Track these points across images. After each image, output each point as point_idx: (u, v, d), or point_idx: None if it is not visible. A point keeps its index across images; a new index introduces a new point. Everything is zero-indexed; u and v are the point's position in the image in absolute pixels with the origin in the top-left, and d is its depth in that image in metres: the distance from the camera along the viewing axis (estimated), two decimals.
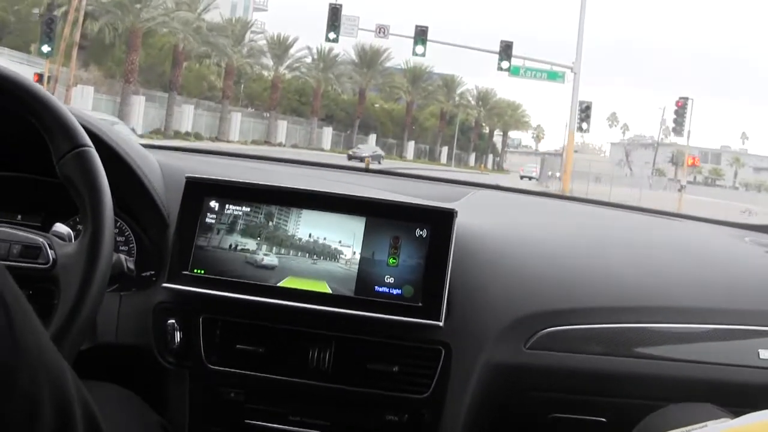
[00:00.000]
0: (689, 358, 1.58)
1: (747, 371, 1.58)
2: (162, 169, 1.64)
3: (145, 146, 1.71)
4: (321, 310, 1.47)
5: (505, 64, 27.43)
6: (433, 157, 58.63)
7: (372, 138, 54.02)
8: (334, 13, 27.38)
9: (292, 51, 48.12)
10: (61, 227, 1.27)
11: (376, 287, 1.49)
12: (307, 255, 1.51)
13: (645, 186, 41.25)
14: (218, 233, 1.53)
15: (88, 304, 1.09)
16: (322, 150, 47.62)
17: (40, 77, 22.18)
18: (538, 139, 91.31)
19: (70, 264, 1.14)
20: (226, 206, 1.54)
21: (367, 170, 2.63)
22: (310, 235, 1.52)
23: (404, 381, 1.53)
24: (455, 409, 1.55)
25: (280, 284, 1.50)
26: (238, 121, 44.41)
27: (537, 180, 51.38)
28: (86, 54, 35.32)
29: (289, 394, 1.56)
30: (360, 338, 1.53)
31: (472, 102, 60.88)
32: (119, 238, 1.57)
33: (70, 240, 1.24)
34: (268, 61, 47.58)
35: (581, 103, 28.60)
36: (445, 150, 59.65)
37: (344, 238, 1.51)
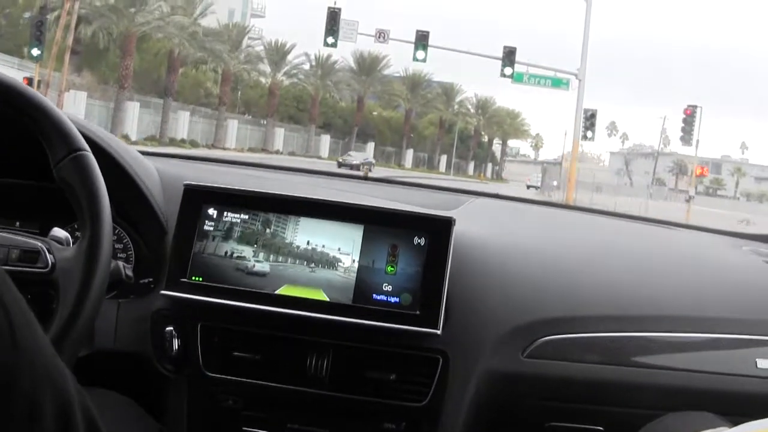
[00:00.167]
0: (687, 367, 1.58)
1: (745, 380, 1.58)
2: (160, 176, 1.64)
3: (143, 153, 1.71)
4: (319, 318, 1.47)
5: (508, 71, 26.95)
6: (431, 165, 58.51)
7: (370, 146, 53.98)
8: (333, 17, 26.87)
9: (289, 57, 48.02)
10: (59, 231, 1.27)
11: (374, 295, 1.49)
12: (305, 263, 1.51)
13: (645, 195, 41.15)
14: (216, 241, 1.53)
15: (87, 307, 1.09)
16: (320, 158, 47.46)
17: (29, 81, 21.81)
18: (536, 147, 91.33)
19: (69, 268, 1.14)
20: (225, 214, 1.54)
21: (365, 178, 2.63)
22: (308, 243, 1.52)
23: (402, 389, 1.53)
24: (453, 418, 1.55)
25: (277, 292, 1.50)
26: (234, 128, 44.29)
27: (538, 189, 51.15)
28: (79, 59, 34.92)
29: (286, 402, 1.56)
30: (358, 346, 1.53)
31: (472, 110, 60.73)
32: (117, 245, 1.57)
33: (68, 244, 1.24)
34: (266, 67, 47.36)
35: (586, 110, 28.30)
36: (443, 158, 59.50)
37: (342, 245, 1.51)
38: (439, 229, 1.52)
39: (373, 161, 47.10)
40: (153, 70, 40.08)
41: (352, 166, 39.70)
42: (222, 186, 1.57)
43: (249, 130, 46.97)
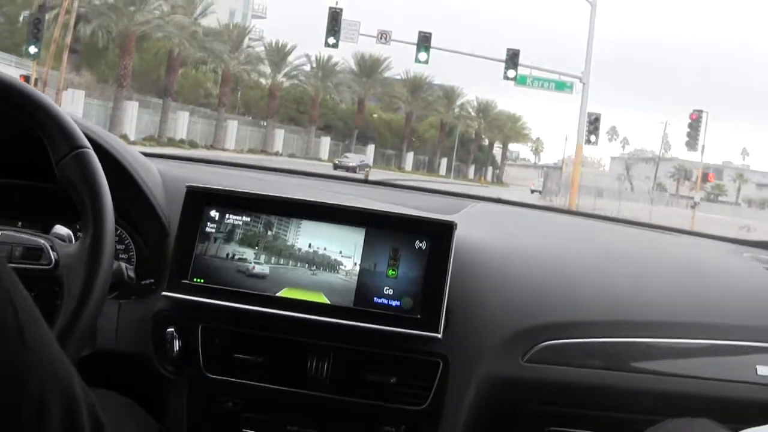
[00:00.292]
0: (687, 373, 1.59)
1: (745, 387, 1.58)
2: (163, 177, 1.65)
3: (146, 155, 1.72)
4: (320, 321, 1.48)
5: (511, 73, 26.72)
6: (432, 168, 58.52)
7: (370, 148, 53.95)
8: (334, 17, 26.61)
9: (290, 59, 48.04)
10: (61, 229, 1.27)
11: (375, 298, 1.49)
12: (307, 265, 1.51)
13: (646, 201, 40.99)
14: (218, 242, 1.53)
15: (92, 302, 1.10)
16: (320, 160, 47.41)
17: (26, 79, 21.63)
18: (536, 151, 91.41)
19: (73, 263, 1.14)
20: (227, 216, 1.54)
21: (365, 181, 2.64)
22: (309, 246, 1.52)
23: (402, 392, 1.53)
24: (452, 421, 1.55)
25: (279, 294, 1.50)
26: (234, 129, 44.25)
27: (540, 193, 50.91)
28: (78, 58, 34.86)
29: (286, 404, 1.57)
30: (358, 349, 1.53)
31: (473, 113, 60.74)
32: (119, 246, 1.57)
33: (71, 241, 1.25)
34: (266, 68, 47.34)
35: (590, 114, 28.07)
36: (444, 162, 59.52)
37: (344, 249, 1.51)
38: (440, 233, 1.52)
39: (370, 164, 46.97)
40: (152, 70, 39.98)
41: (348, 168, 39.56)
42: (224, 188, 1.58)
43: (249, 131, 46.97)
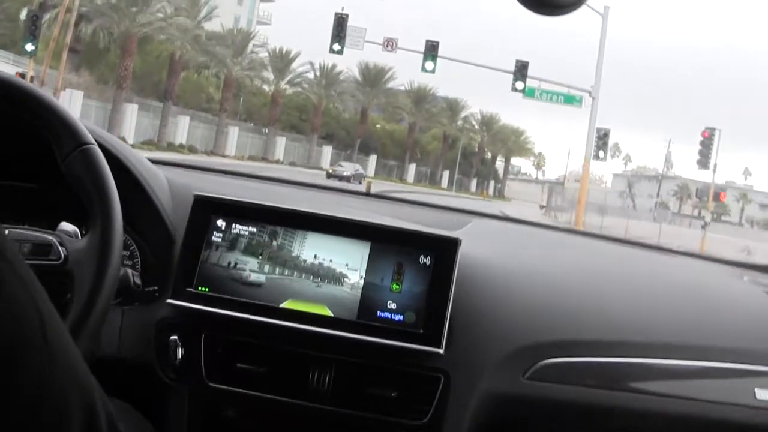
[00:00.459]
0: (687, 395, 1.59)
1: (743, 410, 1.59)
2: (170, 185, 1.65)
3: (153, 161, 1.72)
4: (323, 333, 1.48)
5: (519, 85, 26.17)
6: (434, 180, 58.21)
7: (372, 159, 53.79)
8: (340, 23, 25.97)
9: (294, 65, 47.80)
10: (67, 225, 1.28)
11: (378, 312, 1.50)
12: (311, 277, 1.52)
13: (648, 219, 40.64)
14: (224, 252, 1.54)
15: (103, 295, 1.10)
16: (321, 169, 47.05)
17: (22, 76, 21.57)
18: (539, 166, 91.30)
19: (82, 258, 1.15)
20: (233, 225, 1.55)
21: (367, 194, 2.64)
22: (314, 258, 1.53)
23: (402, 407, 1.53)
24: None
25: (282, 305, 1.51)
26: (235, 135, 44.06)
27: (544, 209, 50.34)
28: (79, 58, 34.50)
29: (287, 415, 1.57)
30: (360, 362, 1.54)
31: (476, 126, 60.46)
32: (124, 253, 1.57)
33: (78, 237, 1.25)
34: (269, 74, 47.13)
35: (599, 130, 27.70)
36: (446, 174, 59.23)
37: (349, 262, 1.52)
38: (445, 249, 1.53)
39: (364, 173, 46.52)
40: (154, 73, 39.74)
41: (342, 177, 39.19)
42: (232, 198, 1.58)
43: (250, 137, 46.84)
